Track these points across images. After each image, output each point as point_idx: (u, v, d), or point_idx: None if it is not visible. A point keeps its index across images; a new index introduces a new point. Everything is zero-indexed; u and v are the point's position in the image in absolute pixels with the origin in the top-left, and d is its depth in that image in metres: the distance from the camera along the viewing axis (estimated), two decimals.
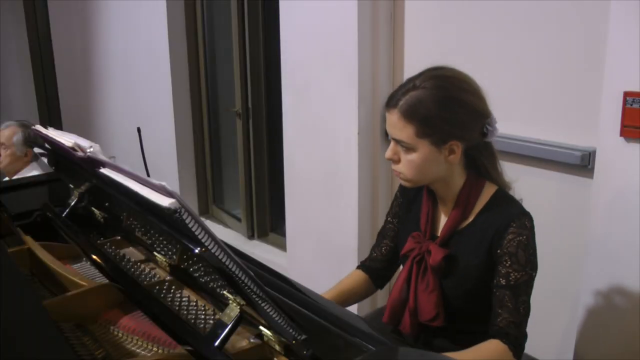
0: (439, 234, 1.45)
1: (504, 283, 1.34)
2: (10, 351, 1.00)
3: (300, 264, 2.89)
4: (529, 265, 1.35)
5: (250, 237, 3.61)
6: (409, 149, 1.35)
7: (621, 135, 1.67)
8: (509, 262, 1.34)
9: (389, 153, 1.39)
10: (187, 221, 0.95)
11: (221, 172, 3.97)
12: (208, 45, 3.79)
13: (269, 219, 3.59)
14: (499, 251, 1.36)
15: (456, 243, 1.42)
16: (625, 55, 1.63)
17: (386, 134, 2.45)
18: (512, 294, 1.34)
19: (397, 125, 1.34)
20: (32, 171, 2.88)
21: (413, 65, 2.37)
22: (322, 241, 2.72)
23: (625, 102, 1.64)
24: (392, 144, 1.39)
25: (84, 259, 1.60)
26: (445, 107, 1.32)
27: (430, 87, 1.32)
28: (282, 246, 3.22)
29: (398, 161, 1.39)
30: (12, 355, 0.99)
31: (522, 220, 1.36)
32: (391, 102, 1.35)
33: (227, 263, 0.97)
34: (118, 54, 4.16)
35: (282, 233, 3.26)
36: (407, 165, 1.37)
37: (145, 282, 1.45)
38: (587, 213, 1.83)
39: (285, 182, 2.87)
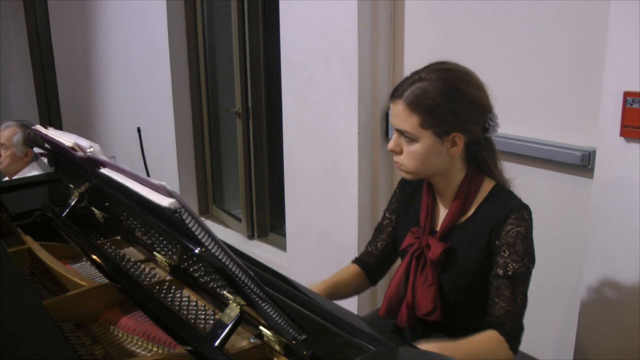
0: (438, 229, 1.46)
1: (501, 273, 1.35)
2: (10, 351, 1.00)
3: (300, 264, 2.89)
4: (527, 257, 1.36)
5: (250, 237, 3.61)
6: (412, 139, 1.36)
7: (621, 135, 1.67)
8: (507, 253, 1.35)
9: (391, 144, 1.40)
10: (187, 221, 0.95)
11: (221, 172, 3.97)
12: (208, 45, 3.79)
13: (269, 219, 3.59)
14: (497, 242, 1.37)
15: (455, 237, 1.43)
16: (625, 55, 1.63)
17: (386, 133, 2.47)
18: (509, 283, 1.35)
19: (402, 116, 1.35)
20: (32, 171, 2.88)
21: (413, 65, 2.36)
22: (322, 241, 2.72)
23: (625, 102, 1.64)
24: (395, 135, 1.40)
25: (84, 259, 1.60)
26: (450, 98, 1.33)
27: (436, 79, 1.34)
28: (282, 246, 3.22)
29: (400, 152, 1.40)
30: (12, 355, 0.99)
31: (520, 212, 1.37)
32: (396, 93, 1.37)
33: (227, 263, 0.97)
34: (118, 54, 4.16)
35: (282, 233, 3.26)
36: (409, 157, 1.38)
37: (145, 282, 1.45)
38: (587, 213, 1.83)
39: (285, 182, 2.87)
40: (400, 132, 1.38)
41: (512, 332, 1.34)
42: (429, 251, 1.43)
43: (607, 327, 1.80)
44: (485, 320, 1.38)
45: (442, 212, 1.48)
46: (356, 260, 1.69)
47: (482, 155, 1.44)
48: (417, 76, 1.36)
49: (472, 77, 1.38)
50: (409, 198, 1.58)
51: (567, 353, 1.96)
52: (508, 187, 1.46)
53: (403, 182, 1.63)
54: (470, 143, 1.41)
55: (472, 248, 1.40)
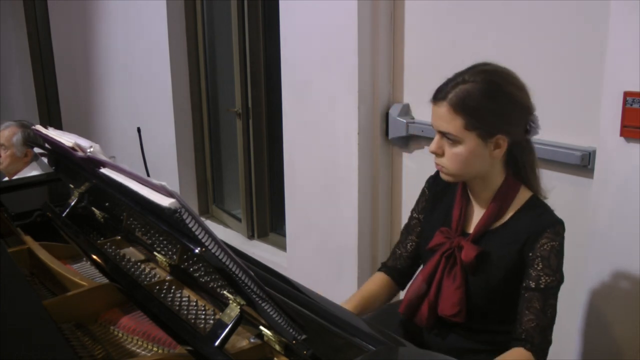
0: (469, 232, 1.46)
1: (533, 286, 1.35)
2: (10, 351, 1.00)
3: (300, 264, 2.89)
4: (558, 272, 1.37)
5: (250, 237, 3.61)
6: (456, 141, 1.35)
7: (621, 135, 1.67)
8: (540, 266, 1.35)
9: (433, 146, 1.39)
10: (187, 221, 0.95)
11: (221, 172, 3.97)
12: (208, 45, 3.79)
13: (269, 219, 3.59)
14: (530, 254, 1.37)
15: (487, 242, 1.42)
16: (625, 55, 1.63)
17: (386, 133, 2.47)
18: (541, 296, 1.35)
19: (446, 118, 1.34)
20: (32, 171, 2.88)
21: (413, 65, 2.38)
22: (322, 241, 2.72)
23: (625, 102, 1.64)
24: (436, 137, 1.39)
25: (84, 259, 1.60)
26: (495, 100, 1.33)
27: (480, 81, 1.33)
28: (282, 246, 3.22)
29: (442, 155, 1.39)
30: (12, 355, 0.99)
31: (557, 227, 1.38)
32: (439, 95, 1.36)
33: (227, 263, 0.97)
34: (118, 54, 4.16)
35: (282, 233, 3.26)
36: (452, 159, 1.37)
37: (145, 282, 1.45)
38: (587, 213, 1.83)
39: (285, 182, 2.87)
40: (443, 134, 1.37)
41: (540, 347, 1.34)
42: (460, 253, 1.42)
43: (608, 327, 1.80)
44: (513, 330, 1.37)
45: (476, 215, 1.47)
46: (383, 267, 1.67)
47: (522, 159, 1.43)
48: (460, 78, 1.35)
49: (515, 79, 1.38)
50: (437, 196, 1.57)
51: (568, 353, 1.96)
52: (543, 199, 1.45)
53: (431, 180, 1.62)
54: (512, 145, 1.40)
55: (503, 255, 1.40)
